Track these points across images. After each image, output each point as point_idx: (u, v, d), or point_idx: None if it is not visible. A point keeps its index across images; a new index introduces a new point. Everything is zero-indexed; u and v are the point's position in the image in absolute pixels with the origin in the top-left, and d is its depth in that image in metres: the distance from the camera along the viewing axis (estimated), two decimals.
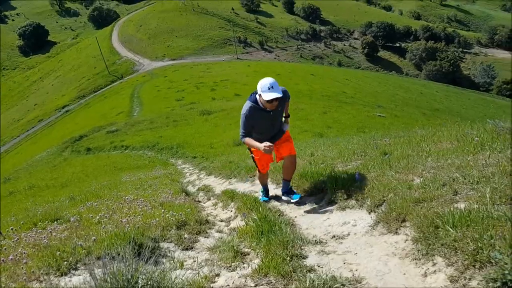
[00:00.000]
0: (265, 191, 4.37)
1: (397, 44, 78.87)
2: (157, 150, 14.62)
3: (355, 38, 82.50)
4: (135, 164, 11.81)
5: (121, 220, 3.39)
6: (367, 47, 74.62)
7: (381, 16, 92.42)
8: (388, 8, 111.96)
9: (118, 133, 21.06)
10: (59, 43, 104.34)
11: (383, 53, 77.10)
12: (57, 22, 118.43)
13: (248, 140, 3.64)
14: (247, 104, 3.60)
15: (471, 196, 2.35)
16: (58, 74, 77.08)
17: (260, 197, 4.30)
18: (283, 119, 3.97)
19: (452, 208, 2.24)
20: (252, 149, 3.88)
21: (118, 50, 77.13)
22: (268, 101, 3.40)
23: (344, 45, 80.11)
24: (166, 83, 43.15)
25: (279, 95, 3.34)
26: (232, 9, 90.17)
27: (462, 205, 2.28)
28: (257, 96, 3.56)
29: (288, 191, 4.02)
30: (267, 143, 3.38)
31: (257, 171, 4.24)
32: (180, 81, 42.75)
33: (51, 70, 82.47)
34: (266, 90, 3.37)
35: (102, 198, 5.15)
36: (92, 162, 14.55)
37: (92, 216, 3.75)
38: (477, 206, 2.16)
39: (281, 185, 4.61)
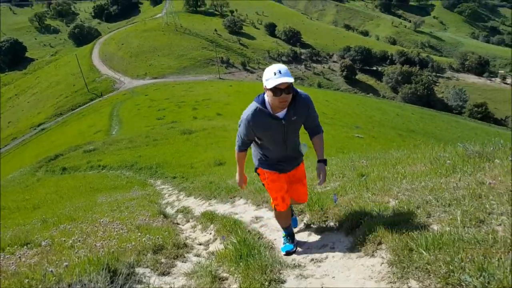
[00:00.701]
0: (289, 234, 3.14)
1: (374, 68, 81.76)
2: (136, 170, 14.33)
3: (334, 61, 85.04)
4: (112, 184, 11.51)
5: (95, 244, 3.28)
6: (345, 70, 77.03)
7: (359, 41, 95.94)
8: (365, 33, 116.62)
9: (96, 152, 20.57)
10: (37, 59, 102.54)
11: (361, 76, 79.63)
12: (35, 39, 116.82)
13: (238, 155, 2.93)
14: (251, 106, 2.71)
15: (443, 219, 2.42)
16: (35, 91, 75.34)
17: (282, 244, 3.14)
18: (317, 164, 2.91)
19: (425, 231, 2.29)
20: (259, 170, 3.01)
21: (98, 68, 76.45)
22: (274, 92, 2.48)
23: (324, 67, 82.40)
24: (147, 102, 42.85)
25: (289, 80, 2.43)
26: (215, 30, 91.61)
27: (435, 228, 2.34)
28: (266, 96, 2.65)
29: None
30: (239, 179, 3.05)
31: (272, 206, 3.05)
32: (161, 100, 42.56)
33: (27, 87, 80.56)
34: (271, 76, 2.47)
35: (76, 221, 4.97)
36: (67, 182, 14.09)
37: (65, 240, 3.61)
38: (448, 228, 2.23)
39: (261, 207, 4.61)
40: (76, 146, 24.41)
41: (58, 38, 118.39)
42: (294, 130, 2.82)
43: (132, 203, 6.48)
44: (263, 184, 3.07)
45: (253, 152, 3.03)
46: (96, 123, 36.13)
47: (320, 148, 2.95)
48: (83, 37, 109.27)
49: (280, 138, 2.76)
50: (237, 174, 3.10)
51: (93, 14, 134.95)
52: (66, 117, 53.71)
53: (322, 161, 2.92)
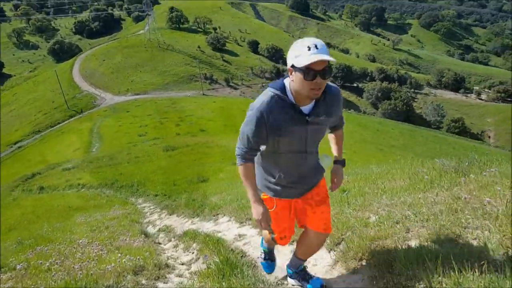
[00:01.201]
0: (269, 253, 2.75)
1: (355, 84, 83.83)
2: (116, 188, 14.05)
3: None
4: (92, 203, 11.24)
5: (73, 267, 3.20)
6: None
7: (339, 58, 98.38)
8: (346, 51, 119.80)
9: (75, 171, 20.08)
10: (15, 76, 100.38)
11: (342, 92, 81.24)
12: (13, 55, 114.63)
13: (245, 169, 1.99)
14: (265, 93, 1.96)
15: (422, 234, 2.48)
16: (12, 108, 73.36)
17: (261, 261, 2.83)
18: (333, 166, 2.30)
19: (404, 246, 2.34)
20: (265, 197, 2.18)
21: (79, 84, 75.27)
22: (306, 74, 1.78)
23: None
24: (128, 118, 42.40)
25: (329, 58, 1.79)
26: (198, 47, 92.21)
27: (413, 243, 2.39)
28: (287, 80, 1.97)
29: (299, 273, 2.54)
30: (262, 214, 1.91)
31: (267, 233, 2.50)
32: (143, 116, 42.19)
33: (4, 104, 78.41)
34: (303, 52, 1.76)
35: (54, 242, 4.82)
36: (45, 202, 13.65)
37: (41, 263, 3.49)
38: (427, 243, 2.28)
39: (245, 224, 4.56)
40: (54, 164, 23.79)
41: (37, 54, 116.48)
42: (318, 134, 2.06)
43: (113, 222, 6.34)
44: None
45: (256, 169, 2.15)
46: (75, 140, 35.36)
47: (340, 145, 2.33)
48: (64, 53, 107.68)
49: (301, 143, 1.99)
50: (252, 204, 1.98)
51: (74, 30, 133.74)
52: (44, 135, 52.35)
53: (340, 162, 2.33)
